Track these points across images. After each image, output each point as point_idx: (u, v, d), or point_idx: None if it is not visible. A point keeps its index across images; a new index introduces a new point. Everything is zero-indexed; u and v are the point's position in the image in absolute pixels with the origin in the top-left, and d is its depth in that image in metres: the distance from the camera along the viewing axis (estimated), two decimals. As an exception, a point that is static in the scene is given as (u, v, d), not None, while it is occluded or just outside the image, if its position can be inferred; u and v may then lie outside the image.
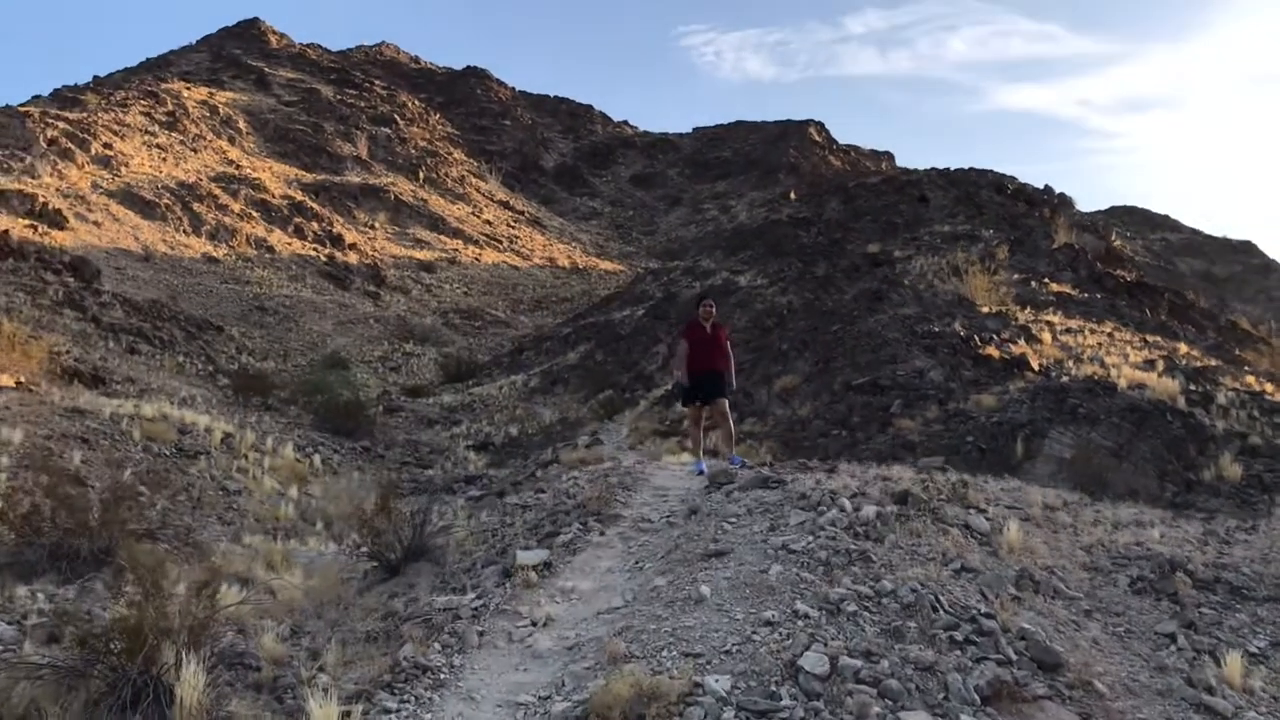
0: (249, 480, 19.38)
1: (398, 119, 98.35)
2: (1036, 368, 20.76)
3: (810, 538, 7.70)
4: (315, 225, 68.88)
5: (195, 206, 62.33)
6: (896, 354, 21.65)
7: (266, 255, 62.10)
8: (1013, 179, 53.91)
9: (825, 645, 6.23)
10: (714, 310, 13.15)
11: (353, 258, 66.82)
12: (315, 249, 65.93)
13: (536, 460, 24.26)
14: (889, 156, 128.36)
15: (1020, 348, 21.98)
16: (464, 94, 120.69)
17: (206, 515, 16.38)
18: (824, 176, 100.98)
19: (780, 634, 6.41)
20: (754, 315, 35.06)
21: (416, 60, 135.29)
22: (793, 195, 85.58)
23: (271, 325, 52.67)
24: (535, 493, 11.88)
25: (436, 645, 6.92)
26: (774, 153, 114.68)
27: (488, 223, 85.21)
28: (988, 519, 8.72)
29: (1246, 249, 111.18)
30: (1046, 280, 33.45)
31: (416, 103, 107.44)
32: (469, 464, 28.06)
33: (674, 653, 6.36)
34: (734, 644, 6.36)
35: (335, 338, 53.54)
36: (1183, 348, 24.86)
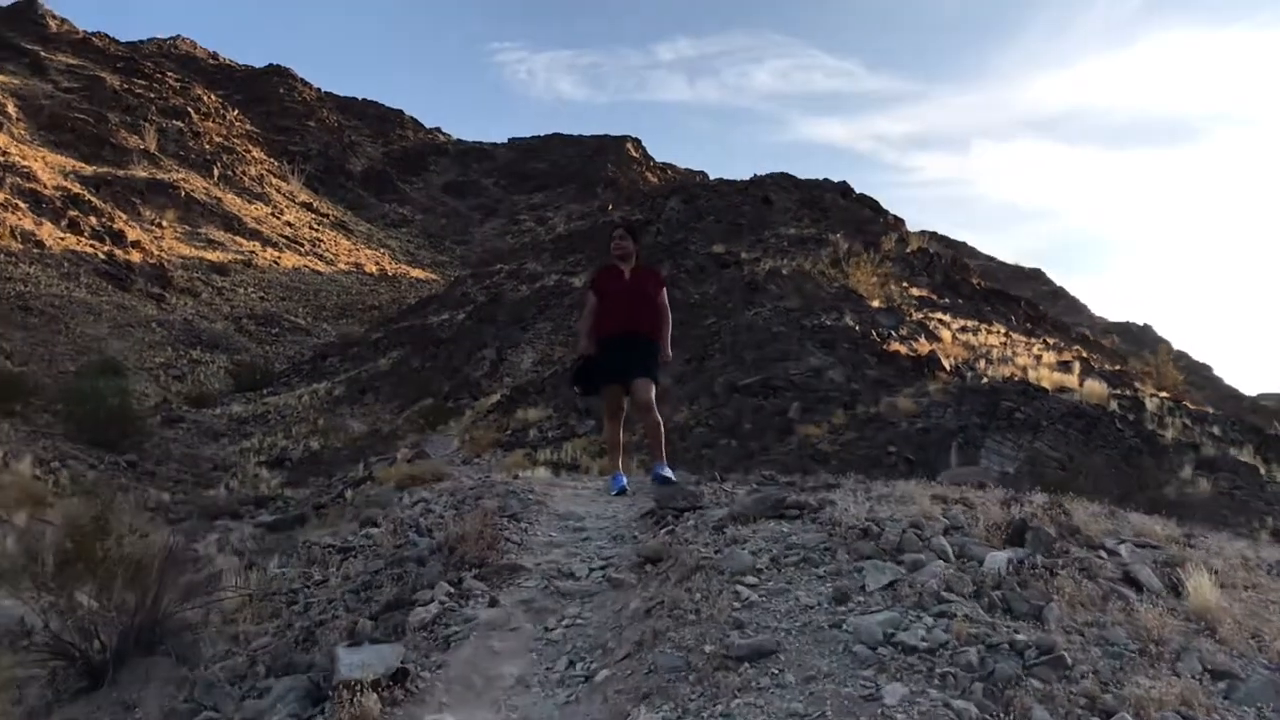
0: (-43, 503, 14.55)
1: (191, 112, 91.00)
2: (948, 367, 17.68)
3: (927, 618, 3.98)
4: (94, 220, 61.90)
5: (-50, 193, 54.99)
6: (787, 350, 18.22)
7: (34, 250, 55.05)
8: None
9: None
10: (631, 246, 9.07)
11: (135, 256, 60.20)
12: (93, 245, 59.06)
13: (345, 478, 20.03)
14: (704, 175, 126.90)
15: (924, 345, 18.90)
16: (266, 92, 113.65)
17: (-123, 553, 11.62)
18: (642, 192, 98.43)
19: None
20: (593, 317, 31.46)
21: (215, 56, 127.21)
22: (610, 208, 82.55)
23: (36, 327, 46.28)
24: (360, 525, 7.65)
25: None
26: (592, 166, 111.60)
27: (289, 224, 79.18)
28: (1149, 568, 5.16)
29: (1036, 276, 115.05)
30: (905, 284, 31.05)
31: (213, 98, 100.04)
32: (261, 483, 23.54)
33: None
34: None
35: (111, 342, 47.59)
36: (1082, 351, 22.43)
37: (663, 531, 5.88)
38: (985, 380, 16.87)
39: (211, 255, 66.00)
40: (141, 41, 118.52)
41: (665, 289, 9.11)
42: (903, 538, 4.71)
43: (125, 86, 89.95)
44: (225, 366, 47.21)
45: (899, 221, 44.00)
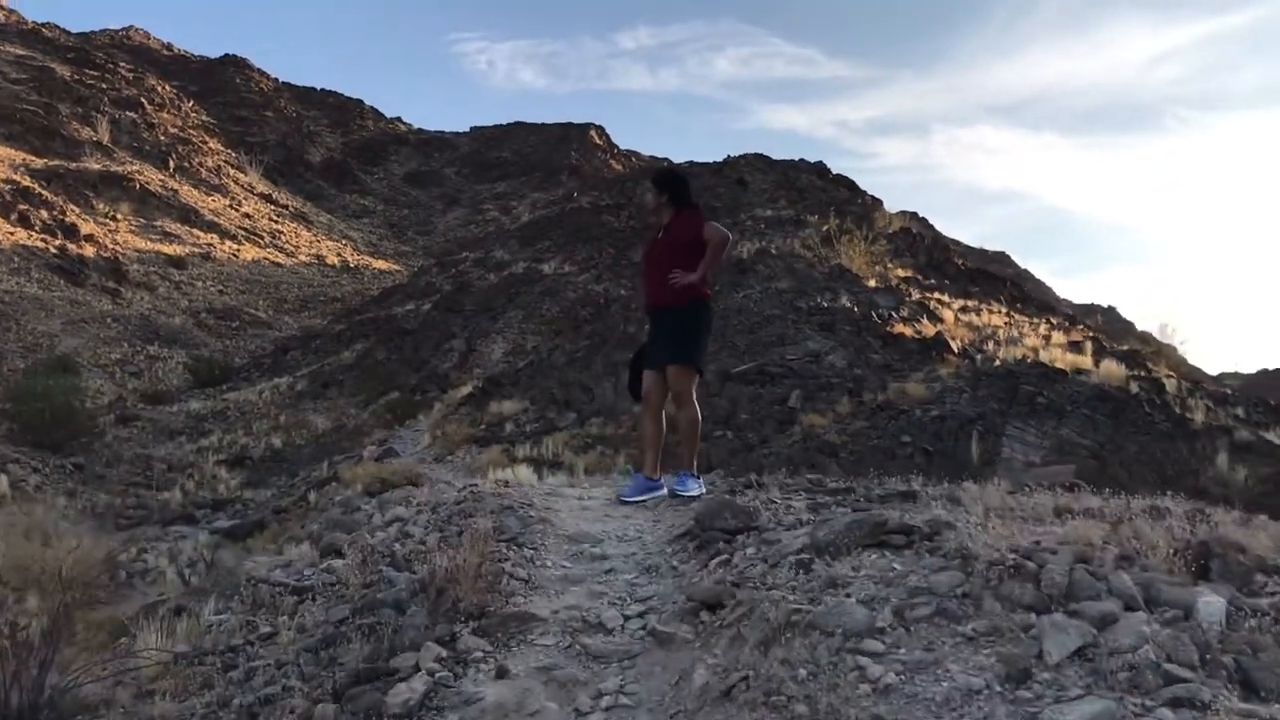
0: (-127, 517, 13.11)
1: (145, 103, 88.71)
2: (956, 350, 16.51)
3: (1162, 711, 2.71)
4: (45, 214, 59.92)
5: (-109, 187, 52.97)
6: (783, 334, 16.99)
7: (-18, 246, 53.23)
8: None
9: None
10: (653, 199, 7.55)
11: (89, 250, 58.34)
12: (44, 240, 57.16)
13: (308, 478, 18.69)
14: (668, 162, 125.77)
15: (929, 327, 17.74)
16: (222, 83, 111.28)
17: None
18: (606, 179, 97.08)
19: None
20: (566, 305, 30.17)
21: (169, 47, 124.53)
22: (576, 195, 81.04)
23: (-16, 325, 44.64)
24: (320, 554, 6.23)
25: None
26: (555, 155, 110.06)
27: (247, 216, 77.25)
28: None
29: (1001, 258, 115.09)
30: (891, 264, 30.05)
31: (168, 88, 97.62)
32: (219, 483, 22.17)
33: None
34: None
35: (65, 339, 45.94)
36: (1088, 331, 21.37)
37: (714, 563, 4.54)
38: (998, 363, 15.72)
39: (168, 248, 64.15)
40: (93, 32, 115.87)
41: (705, 224, 7.43)
42: (1071, 577, 3.42)
43: (76, 78, 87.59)
44: (183, 362, 45.64)
45: (877, 202, 42.98)
